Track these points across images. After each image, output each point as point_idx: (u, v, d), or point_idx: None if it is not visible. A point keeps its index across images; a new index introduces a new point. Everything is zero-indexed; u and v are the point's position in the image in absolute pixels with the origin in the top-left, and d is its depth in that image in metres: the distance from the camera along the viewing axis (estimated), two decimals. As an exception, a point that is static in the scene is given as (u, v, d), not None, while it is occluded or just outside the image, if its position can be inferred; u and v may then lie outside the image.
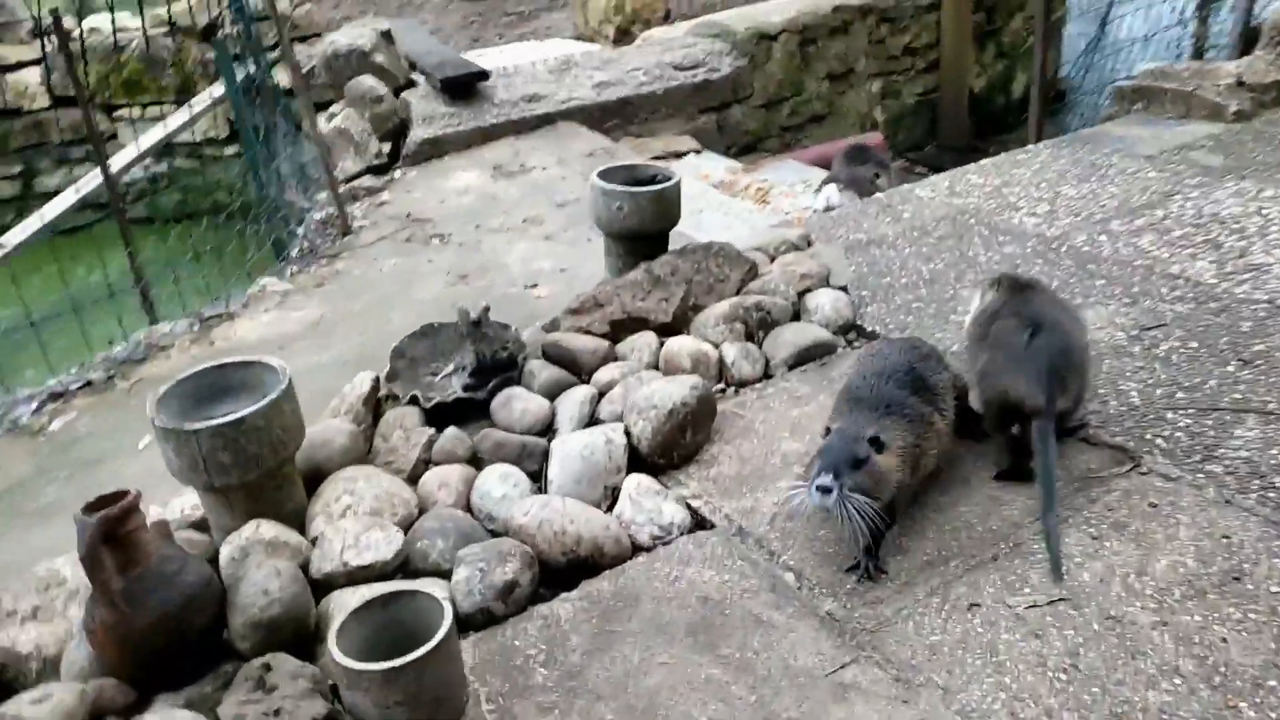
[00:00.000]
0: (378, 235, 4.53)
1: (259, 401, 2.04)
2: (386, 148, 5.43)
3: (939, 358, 2.22)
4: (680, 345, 2.69)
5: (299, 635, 1.87)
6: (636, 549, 2.11)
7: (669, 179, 3.16)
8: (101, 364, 3.31)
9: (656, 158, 5.53)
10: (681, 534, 2.12)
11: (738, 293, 2.97)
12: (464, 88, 5.68)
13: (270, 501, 2.11)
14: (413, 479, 2.32)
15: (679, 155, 5.79)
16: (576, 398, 2.49)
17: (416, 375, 2.68)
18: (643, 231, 3.10)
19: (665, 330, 2.85)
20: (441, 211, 4.70)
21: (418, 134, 5.41)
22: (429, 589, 1.81)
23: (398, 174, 5.27)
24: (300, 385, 2.19)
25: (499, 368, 2.58)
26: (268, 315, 3.75)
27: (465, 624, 1.92)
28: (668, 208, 3.09)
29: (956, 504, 2.13)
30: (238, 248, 4.68)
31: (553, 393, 2.56)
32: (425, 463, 2.37)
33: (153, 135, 5.16)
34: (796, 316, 2.92)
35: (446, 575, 2.00)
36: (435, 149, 5.38)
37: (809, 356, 2.73)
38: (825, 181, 4.49)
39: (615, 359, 2.74)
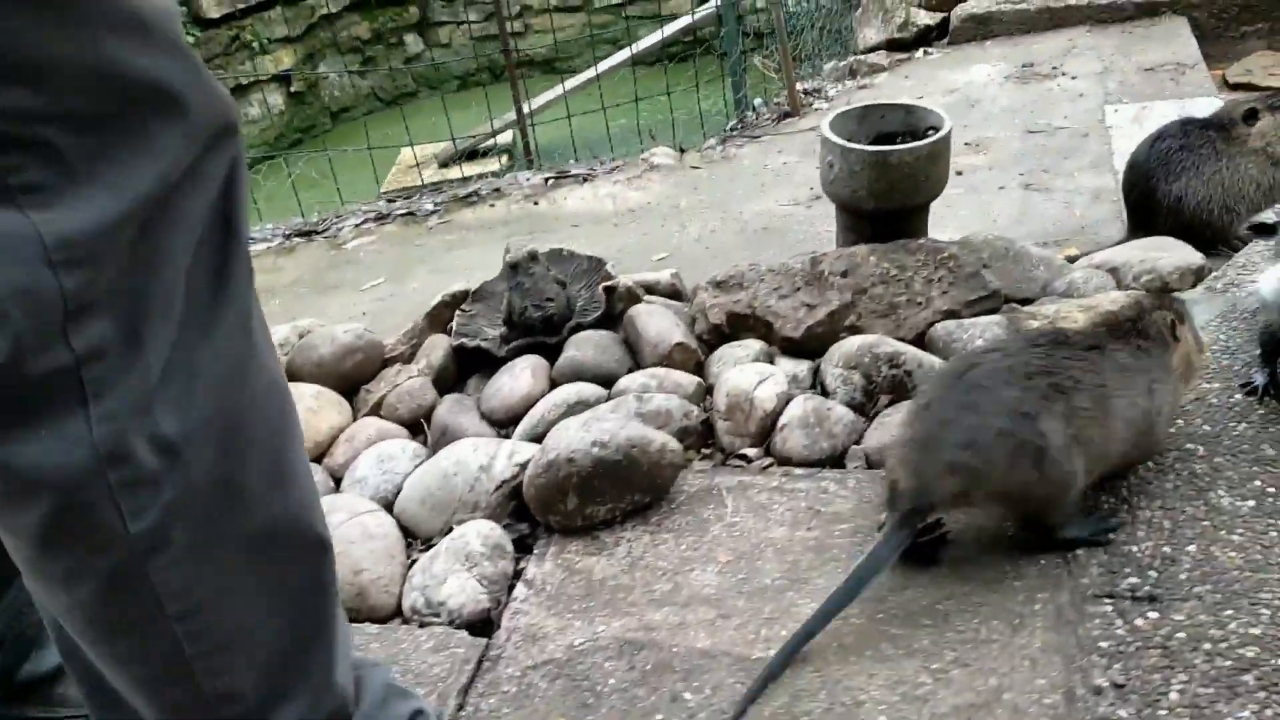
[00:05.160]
0: (816, 123, 3.92)
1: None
2: (924, 19, 4.58)
3: None
4: (734, 379, 1.91)
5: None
6: (397, 611, 1.64)
7: (935, 132, 2.15)
8: (423, 200, 3.48)
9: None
10: (452, 624, 1.58)
11: (923, 330, 1.99)
12: (1064, -45, 4.48)
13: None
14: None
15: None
16: (554, 399, 1.94)
17: (529, 290, 2.29)
18: (853, 204, 2.20)
19: (790, 347, 2.05)
20: (907, 110, 3.88)
21: (967, 8, 4.47)
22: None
23: (919, 54, 4.45)
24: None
25: (527, 328, 2.11)
26: (612, 187, 3.54)
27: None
28: (899, 179, 2.12)
29: None
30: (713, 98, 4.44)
31: (569, 379, 2.03)
32: (377, 408, 2.08)
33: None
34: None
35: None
36: (980, 29, 4.41)
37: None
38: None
39: (694, 363, 2.06)
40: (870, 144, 2.25)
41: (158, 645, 0.90)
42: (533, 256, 2.10)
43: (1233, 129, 2.59)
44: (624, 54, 6.17)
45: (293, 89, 7.77)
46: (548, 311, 2.10)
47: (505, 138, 7.13)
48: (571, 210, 3.40)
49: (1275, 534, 1.50)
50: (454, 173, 6.31)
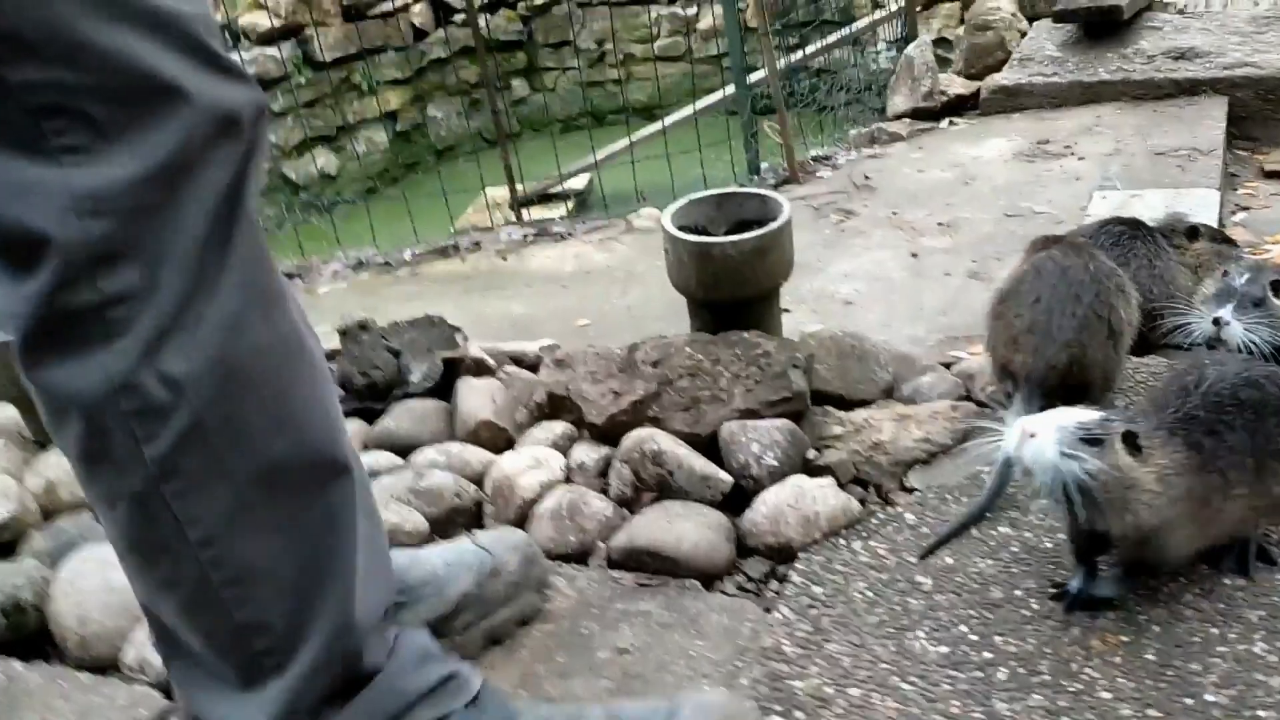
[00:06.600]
0: (810, 192, 3.84)
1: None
2: (958, 88, 4.42)
3: None
4: (503, 464, 1.91)
5: None
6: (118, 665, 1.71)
7: (770, 224, 2.09)
8: (403, 250, 3.59)
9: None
10: (154, 684, 1.64)
11: (717, 428, 1.94)
12: (1109, 26, 4.26)
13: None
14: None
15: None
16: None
17: (358, 358, 2.38)
18: (688, 293, 2.16)
19: (596, 433, 2.04)
20: (903, 184, 3.76)
21: (997, 78, 4.30)
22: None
23: (943, 124, 4.30)
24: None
25: (358, 394, 2.17)
26: (582, 247, 3.58)
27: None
28: (723, 272, 2.06)
29: None
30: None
31: (380, 446, 2.07)
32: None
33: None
34: (735, 499, 1.81)
35: None
36: (1009, 101, 4.23)
37: (640, 562, 1.71)
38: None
39: (504, 441, 2.08)
40: (727, 232, 2.21)
41: (188, 571, 1.04)
42: (362, 326, 2.17)
43: (1174, 237, 2.46)
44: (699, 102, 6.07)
45: (398, 128, 8.17)
46: (372, 379, 2.16)
47: (579, 182, 7.27)
48: (534, 269, 3.45)
49: (947, 686, 1.41)
50: (521, 214, 6.49)
